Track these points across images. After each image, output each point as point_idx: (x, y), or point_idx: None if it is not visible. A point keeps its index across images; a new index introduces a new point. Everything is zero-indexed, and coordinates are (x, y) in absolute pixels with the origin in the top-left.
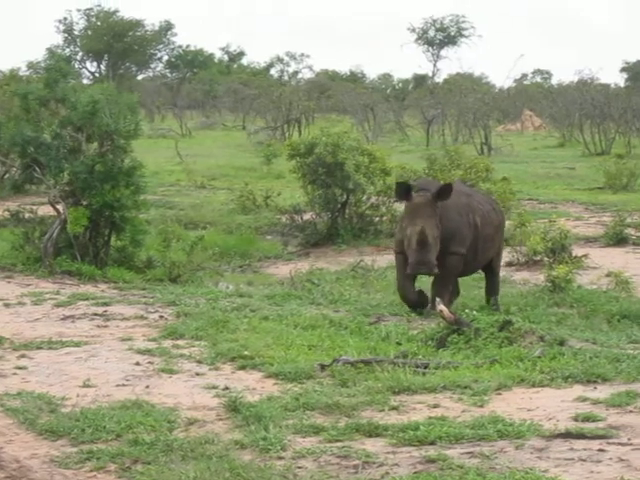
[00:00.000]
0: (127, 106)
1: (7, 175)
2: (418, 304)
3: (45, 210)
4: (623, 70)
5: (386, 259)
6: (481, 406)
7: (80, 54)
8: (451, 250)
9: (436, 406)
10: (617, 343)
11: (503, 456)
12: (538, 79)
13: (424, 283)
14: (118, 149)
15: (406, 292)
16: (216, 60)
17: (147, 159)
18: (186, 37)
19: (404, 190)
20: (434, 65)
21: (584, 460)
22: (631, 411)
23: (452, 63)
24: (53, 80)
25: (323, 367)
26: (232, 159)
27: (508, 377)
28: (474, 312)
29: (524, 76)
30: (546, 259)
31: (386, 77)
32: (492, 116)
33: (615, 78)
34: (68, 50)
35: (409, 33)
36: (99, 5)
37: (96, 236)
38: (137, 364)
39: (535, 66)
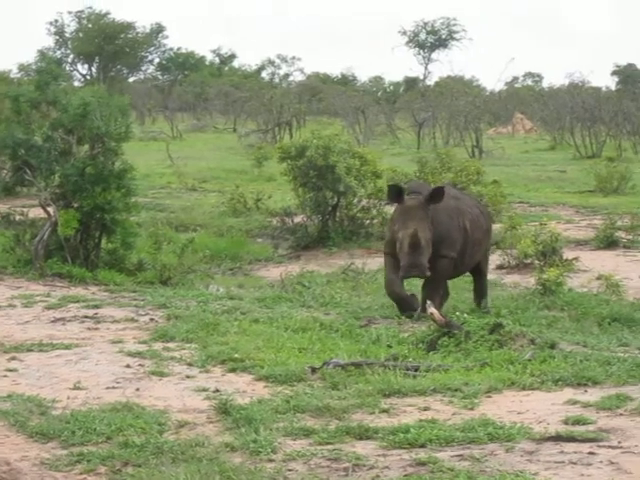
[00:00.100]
0: (118, 108)
1: None
2: (406, 299)
3: (36, 212)
4: (614, 73)
5: (377, 262)
6: (471, 409)
7: (71, 56)
8: (442, 253)
9: (426, 409)
10: (607, 346)
11: (493, 459)
12: (529, 82)
13: (415, 286)
14: (109, 152)
15: (394, 286)
16: (207, 62)
17: (138, 162)
18: (177, 39)
19: (396, 193)
20: (425, 68)
21: (574, 463)
22: (621, 414)
23: (443, 66)
24: (44, 82)
25: (314, 370)
26: (223, 162)
27: (498, 380)
28: (465, 315)
29: (515, 79)
30: (537, 262)
31: (377, 80)
32: (483, 119)
33: (606, 81)
34: (59, 52)
35: (400, 36)
36: (90, 7)
37: (87, 238)
38: (127, 366)
39: (526, 69)
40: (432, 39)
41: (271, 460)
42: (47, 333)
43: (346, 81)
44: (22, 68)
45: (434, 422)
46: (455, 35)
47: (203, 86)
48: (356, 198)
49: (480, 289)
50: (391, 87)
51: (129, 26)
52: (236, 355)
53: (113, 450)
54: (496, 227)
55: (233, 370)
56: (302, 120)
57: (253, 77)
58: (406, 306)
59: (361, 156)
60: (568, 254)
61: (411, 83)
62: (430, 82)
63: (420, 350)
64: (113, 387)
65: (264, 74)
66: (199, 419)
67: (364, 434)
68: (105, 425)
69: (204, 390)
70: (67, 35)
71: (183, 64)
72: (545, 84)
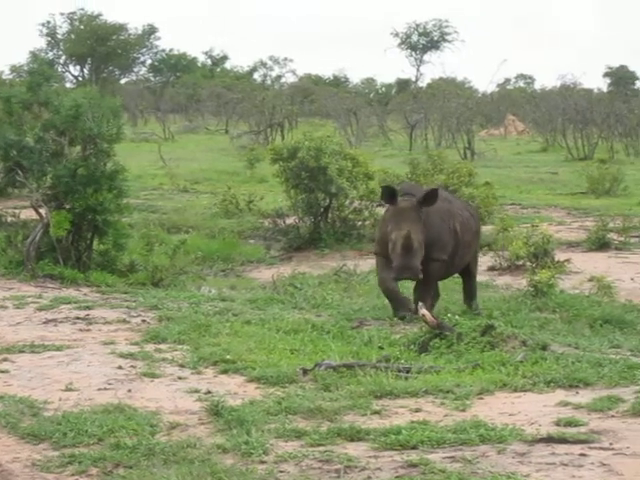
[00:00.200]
0: (110, 110)
1: None
2: (400, 297)
3: (28, 214)
4: (606, 75)
5: (369, 263)
6: (463, 410)
7: (63, 58)
8: (433, 256)
9: (418, 410)
10: (599, 348)
11: (485, 460)
12: (521, 84)
13: (407, 289)
14: (101, 153)
15: (388, 284)
16: (199, 64)
17: (130, 163)
18: (169, 41)
19: (389, 194)
20: (417, 70)
21: (566, 465)
22: (613, 416)
23: (435, 68)
24: (36, 83)
25: (305, 371)
26: (215, 163)
27: (490, 382)
28: (456, 316)
29: (507, 81)
30: (529, 264)
31: (369, 82)
32: (475, 121)
33: (598, 83)
34: (51, 54)
35: (392, 38)
36: (82, 9)
37: (79, 240)
38: (119, 368)
39: (518, 71)
40: (424, 41)
41: (263, 462)
42: (39, 334)
43: (338, 83)
44: (14, 69)
45: (426, 424)
46: (447, 37)
47: (195, 87)
48: (348, 200)
49: (470, 290)
50: (383, 89)
51: (121, 27)
52: (228, 356)
53: (105, 451)
54: (488, 229)
55: (225, 371)
56: (294, 122)
57: (245, 78)
58: (400, 305)
59: (353, 158)
60: (560, 256)
61: (403, 85)
62: (422, 84)
63: (412, 352)
64: (105, 388)
65: (256, 75)
66: (191, 420)
67: (356, 435)
68: (97, 426)
69: (196, 391)
70: (59, 36)
71: (175, 65)
72: (537, 86)
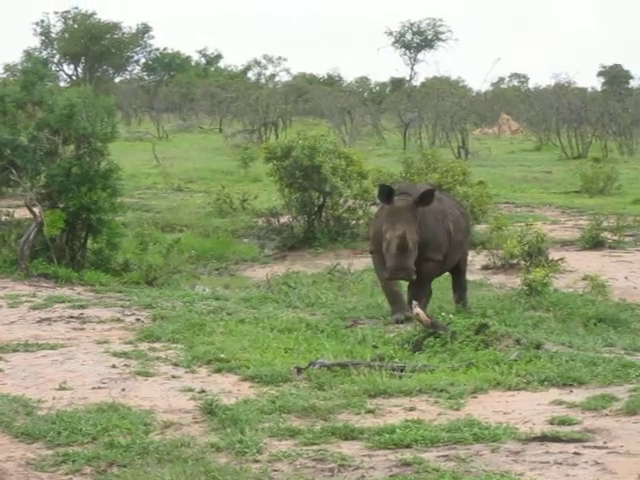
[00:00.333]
0: (104, 109)
1: None
2: (401, 296)
3: (21, 213)
4: (600, 74)
5: (363, 262)
6: (457, 409)
7: (57, 57)
8: (427, 256)
9: (412, 409)
10: (593, 347)
11: (479, 459)
12: (515, 83)
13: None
14: (95, 152)
15: (391, 285)
16: (193, 63)
17: (124, 162)
18: (163, 40)
19: (386, 193)
20: (411, 69)
21: (560, 463)
22: (607, 414)
23: (429, 67)
24: (30, 83)
25: (299, 370)
26: (209, 162)
27: (484, 380)
28: (450, 315)
29: (501, 80)
30: (523, 263)
31: (363, 80)
32: (469, 120)
33: (592, 82)
34: (45, 53)
35: (386, 36)
36: (76, 8)
37: (73, 239)
38: (113, 367)
39: (512, 70)
40: (418, 40)
41: (257, 460)
42: (33, 333)
43: (332, 82)
44: (8, 68)
45: (420, 422)
46: (441, 36)
47: (189, 86)
48: (342, 198)
49: (459, 286)
50: (377, 88)
51: (115, 26)
52: (222, 355)
53: (99, 450)
54: (482, 228)
55: (219, 370)
56: (288, 120)
57: (239, 77)
58: (399, 307)
59: (347, 156)
60: (554, 255)
61: (397, 84)
62: (416, 83)
63: (406, 350)
64: (99, 387)
65: (250, 74)
66: (185, 419)
67: (350, 434)
68: (91, 425)
69: (190, 390)
70: (53, 35)
71: (169, 64)
72: (531, 85)
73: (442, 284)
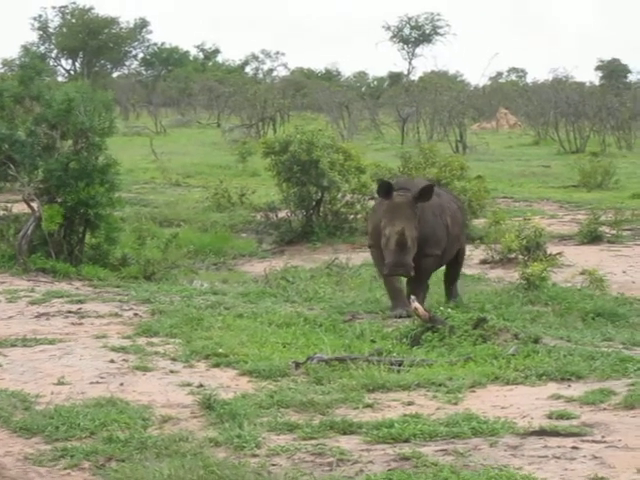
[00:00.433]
0: (102, 104)
1: None
2: (401, 292)
3: (19, 208)
4: (598, 68)
5: (361, 257)
6: (455, 404)
7: (55, 51)
8: (427, 252)
9: (410, 404)
10: (591, 341)
11: (477, 453)
12: (513, 77)
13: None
14: (93, 147)
15: (393, 281)
16: (191, 58)
17: (122, 157)
18: (161, 34)
19: (385, 189)
20: (409, 63)
21: (558, 458)
22: (605, 409)
23: (427, 61)
24: (28, 77)
25: (297, 365)
26: (207, 157)
27: (482, 375)
28: (448, 310)
29: (499, 74)
30: (521, 257)
31: (361, 75)
32: (467, 114)
33: (590, 76)
34: (43, 47)
35: (384, 31)
36: (74, 2)
37: (70, 234)
38: (111, 362)
39: (510, 64)
40: (416, 34)
41: (255, 455)
42: (31, 328)
43: (330, 76)
44: (6, 63)
45: (418, 417)
46: (439, 30)
47: (187, 81)
48: (340, 193)
49: (452, 275)
50: (375, 82)
51: (113, 21)
52: (220, 350)
53: (97, 445)
54: (480, 222)
55: (217, 365)
56: (286, 115)
57: (237, 72)
58: (399, 303)
59: (345, 151)
60: (552, 249)
61: (395, 78)
62: (414, 77)
63: (404, 345)
64: (97, 382)
65: (248, 69)
66: (183, 414)
67: (348, 429)
68: (89, 420)
69: (188, 385)
70: (51, 30)
71: (167, 59)
72: (529, 79)
73: (440, 279)
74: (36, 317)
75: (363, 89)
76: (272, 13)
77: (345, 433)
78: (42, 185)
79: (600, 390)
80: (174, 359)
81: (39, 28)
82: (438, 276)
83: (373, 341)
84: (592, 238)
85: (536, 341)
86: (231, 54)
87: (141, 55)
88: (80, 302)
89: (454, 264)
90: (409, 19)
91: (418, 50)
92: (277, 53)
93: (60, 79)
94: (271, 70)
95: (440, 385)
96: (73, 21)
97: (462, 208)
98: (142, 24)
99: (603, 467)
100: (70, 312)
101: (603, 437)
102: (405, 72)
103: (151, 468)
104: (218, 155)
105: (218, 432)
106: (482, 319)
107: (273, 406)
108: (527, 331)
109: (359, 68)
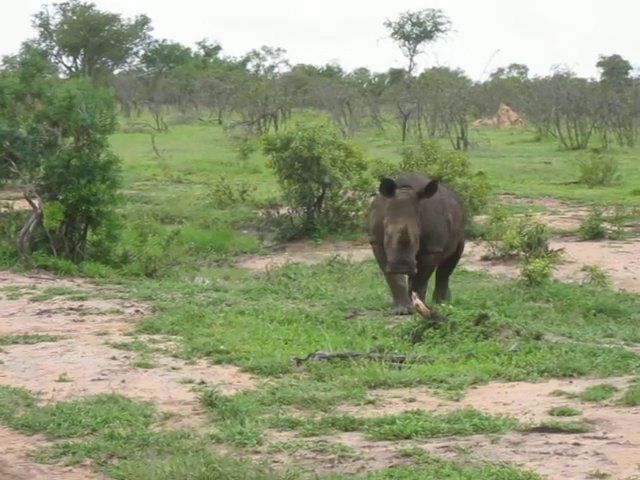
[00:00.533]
0: (103, 100)
1: None
2: (404, 292)
3: (21, 205)
4: (599, 65)
5: (362, 253)
6: (457, 400)
7: (56, 48)
8: (429, 249)
9: (412, 400)
10: (593, 337)
11: (479, 450)
12: (514, 74)
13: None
14: (94, 143)
15: (397, 279)
16: (192, 54)
17: (123, 154)
18: (162, 31)
19: (388, 186)
20: (410, 60)
21: (560, 454)
22: (607, 405)
23: (428, 58)
24: (29, 74)
25: (299, 361)
26: (208, 154)
27: (484, 371)
28: (450, 306)
29: (500, 71)
30: (522, 253)
31: (362, 72)
32: (468, 110)
33: (591, 73)
34: (44, 44)
35: (385, 28)
36: None
37: (72, 231)
38: (113, 358)
39: (511, 61)
40: (417, 31)
41: (257, 452)
42: (32, 325)
43: (331, 73)
44: (7, 60)
45: (420, 413)
46: (440, 27)
47: (188, 78)
48: (341, 190)
49: (447, 270)
50: (376, 79)
51: (114, 18)
52: (222, 347)
53: (99, 442)
54: (481, 218)
55: (219, 362)
56: (287, 112)
57: (238, 69)
58: (401, 301)
59: (346, 148)
60: (553, 245)
61: (396, 75)
62: (415, 74)
63: (405, 341)
64: (99, 379)
65: (249, 66)
66: (185, 411)
67: (350, 426)
68: (91, 417)
69: (190, 382)
70: (52, 27)
71: (168, 56)
72: (530, 75)
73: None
74: (38, 314)
75: (364, 86)
76: (273, 10)
77: (347, 430)
78: (43, 182)
79: (602, 386)
80: (176, 356)
81: (40, 25)
82: (438, 272)
83: (375, 338)
84: (593, 234)
85: (538, 337)
86: (232, 51)
87: (142, 52)
88: (82, 299)
89: (452, 259)
90: (410, 15)
91: (419, 47)
92: (278, 50)
93: (61, 76)
94: (272, 67)
95: (442, 382)
96: (74, 18)
97: (461, 203)
98: (143, 21)
99: (605, 463)
100: (72, 309)
101: (605, 433)
102: (406, 69)
103: (153, 465)
104: (219, 152)
105: (220, 429)
106: (484, 316)
107: (275, 403)
108: (529, 328)
109: (360, 65)
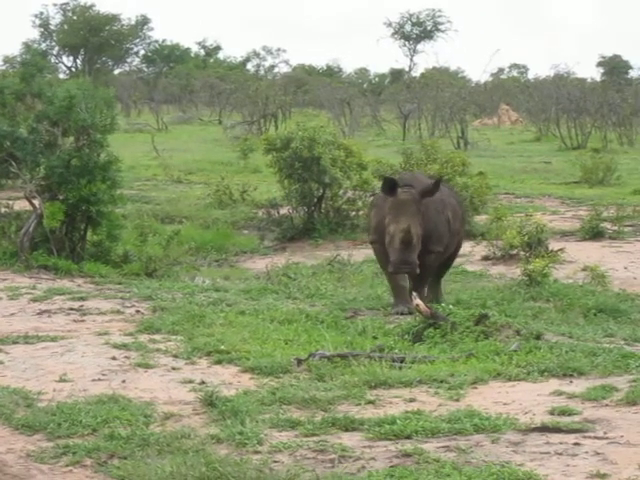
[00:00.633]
0: (103, 100)
1: None
2: (405, 293)
3: (21, 205)
4: (599, 65)
5: (363, 253)
6: (457, 400)
7: (56, 48)
8: (430, 248)
9: (412, 400)
10: (593, 337)
11: (479, 450)
12: (514, 73)
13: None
14: (94, 143)
15: (398, 279)
16: (192, 54)
17: (123, 153)
18: (162, 31)
19: (390, 186)
20: (410, 59)
21: (560, 454)
22: (607, 405)
23: (429, 57)
24: (29, 74)
25: (299, 361)
26: (208, 154)
27: (484, 371)
28: (450, 306)
29: (500, 70)
30: (522, 253)
31: (363, 72)
32: (469, 110)
33: (591, 72)
34: (44, 44)
35: (385, 27)
36: None
37: (72, 231)
38: (113, 359)
39: (511, 60)
40: (417, 31)
41: (257, 452)
42: (33, 325)
43: (331, 73)
44: (7, 60)
45: (420, 413)
46: (440, 27)
47: (188, 78)
48: (341, 190)
49: (443, 269)
50: (376, 79)
51: (114, 18)
52: (222, 347)
53: (99, 442)
54: (482, 218)
55: (219, 362)
56: (287, 112)
57: (238, 69)
58: (402, 301)
59: (346, 148)
60: (554, 245)
61: (396, 75)
62: (415, 74)
63: (406, 341)
64: (99, 379)
65: (249, 66)
66: (185, 411)
67: (350, 425)
68: (91, 417)
69: (190, 382)
70: (52, 27)
71: (168, 56)
72: (530, 75)
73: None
74: (38, 314)
75: (365, 86)
76: (273, 9)
77: (347, 430)
78: (44, 182)
79: (602, 386)
80: (176, 356)
81: (40, 25)
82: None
83: (375, 337)
84: (594, 234)
85: (538, 337)
86: (232, 51)
87: (142, 52)
88: (82, 299)
89: (449, 258)
90: (410, 15)
91: (419, 46)
92: (278, 50)
93: (61, 76)
94: (272, 67)
95: (442, 381)
96: (74, 18)
97: (460, 202)
98: (143, 21)
99: (605, 463)
100: (72, 309)
101: (605, 433)
102: (406, 68)
103: (153, 465)
104: (220, 152)
105: (220, 429)
106: (484, 315)
107: (275, 403)
108: (529, 327)
109: (360, 65)
